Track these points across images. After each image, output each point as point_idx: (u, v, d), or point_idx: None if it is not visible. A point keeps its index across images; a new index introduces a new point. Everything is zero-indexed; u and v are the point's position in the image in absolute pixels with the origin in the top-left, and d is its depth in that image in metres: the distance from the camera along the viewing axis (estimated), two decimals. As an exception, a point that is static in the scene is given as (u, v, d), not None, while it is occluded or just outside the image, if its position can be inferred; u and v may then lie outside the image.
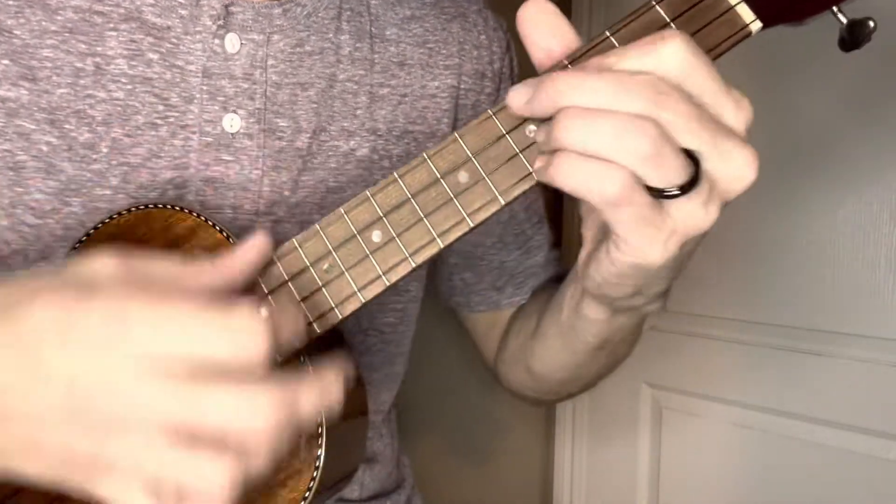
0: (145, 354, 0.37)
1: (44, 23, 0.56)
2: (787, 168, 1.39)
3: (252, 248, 0.45)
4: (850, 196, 1.32)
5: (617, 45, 0.45)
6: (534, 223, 0.79)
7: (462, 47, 0.71)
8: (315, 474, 0.50)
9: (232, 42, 0.59)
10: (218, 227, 0.52)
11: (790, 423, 1.42)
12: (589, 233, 0.52)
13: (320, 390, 0.40)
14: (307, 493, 0.50)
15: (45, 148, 0.55)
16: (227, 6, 0.58)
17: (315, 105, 0.63)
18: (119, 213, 0.53)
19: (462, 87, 0.71)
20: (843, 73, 1.25)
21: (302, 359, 0.50)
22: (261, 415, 0.37)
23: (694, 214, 0.43)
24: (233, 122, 0.59)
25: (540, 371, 0.73)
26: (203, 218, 0.52)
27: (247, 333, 0.38)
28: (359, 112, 0.65)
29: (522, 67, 0.77)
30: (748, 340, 1.48)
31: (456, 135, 0.47)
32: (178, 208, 0.52)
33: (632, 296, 0.50)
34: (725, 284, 1.51)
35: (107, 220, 0.53)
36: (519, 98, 0.44)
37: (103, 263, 0.40)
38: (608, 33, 0.45)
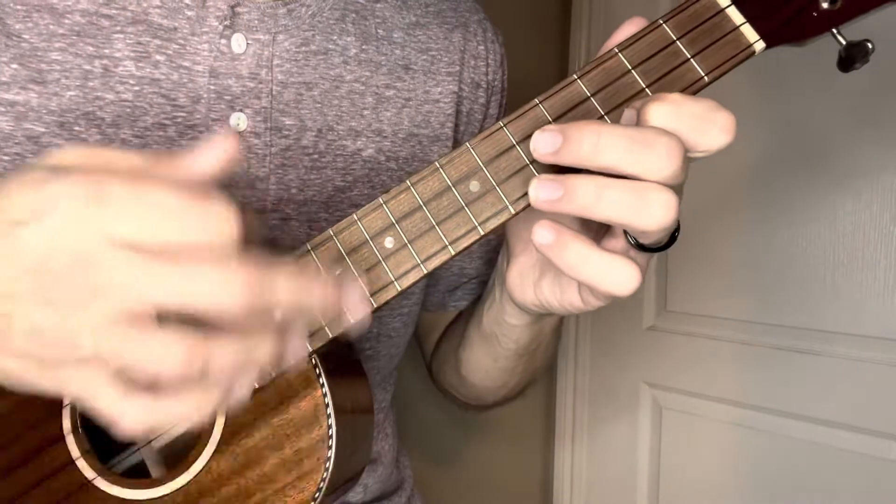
0: (121, 230, 0.35)
1: (51, 26, 0.57)
2: (787, 169, 1.40)
3: (216, 147, 0.40)
4: (849, 197, 1.33)
5: (625, 60, 0.46)
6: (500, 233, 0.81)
7: (462, 56, 0.72)
8: (325, 475, 0.51)
9: (238, 42, 0.60)
10: None
11: (790, 423, 1.42)
12: (521, 248, 0.58)
13: (298, 279, 0.37)
14: (317, 494, 0.51)
15: (54, 151, 0.56)
16: (232, 7, 0.59)
17: (319, 105, 0.64)
18: None
19: (462, 94, 0.72)
20: (844, 79, 1.25)
21: (313, 362, 0.51)
22: (234, 292, 0.35)
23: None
24: (240, 121, 0.60)
25: (466, 376, 0.76)
26: None
27: (221, 217, 0.36)
28: (366, 112, 0.66)
29: (511, 82, 0.79)
30: (748, 340, 1.48)
31: (467, 144, 0.47)
32: None
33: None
34: (725, 284, 1.52)
35: None
36: (545, 147, 0.45)
37: (68, 153, 0.39)
38: (616, 50, 0.46)
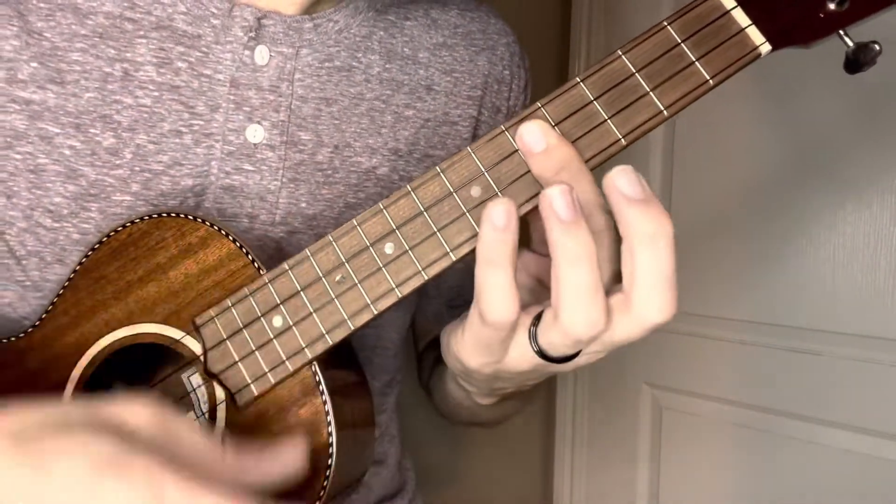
0: None
1: (74, 26, 0.56)
2: (787, 170, 1.40)
3: (292, 454, 0.44)
4: (850, 197, 1.33)
5: (629, 63, 0.45)
6: None
7: (486, 80, 0.72)
8: (325, 483, 0.51)
9: (262, 54, 0.59)
10: (231, 237, 0.52)
11: (790, 423, 1.42)
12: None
13: None
14: (317, 503, 0.51)
15: (67, 152, 0.55)
16: (259, 18, 0.59)
17: (337, 121, 0.63)
18: (132, 221, 0.53)
19: (481, 118, 0.72)
20: (844, 80, 1.25)
21: (313, 369, 0.51)
22: None
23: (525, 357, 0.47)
24: (256, 133, 0.59)
25: (437, 404, 0.76)
26: (216, 227, 0.52)
27: None
28: (383, 131, 0.65)
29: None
30: (748, 340, 1.48)
31: (469, 149, 0.47)
32: (191, 217, 0.53)
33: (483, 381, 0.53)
34: (725, 284, 1.51)
35: (121, 228, 0.53)
36: (531, 140, 0.46)
37: (137, 413, 0.39)
38: (620, 52, 0.46)
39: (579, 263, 0.41)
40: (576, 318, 0.41)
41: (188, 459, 0.39)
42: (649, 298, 0.41)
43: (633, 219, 0.41)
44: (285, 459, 0.43)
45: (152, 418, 0.39)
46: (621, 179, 0.41)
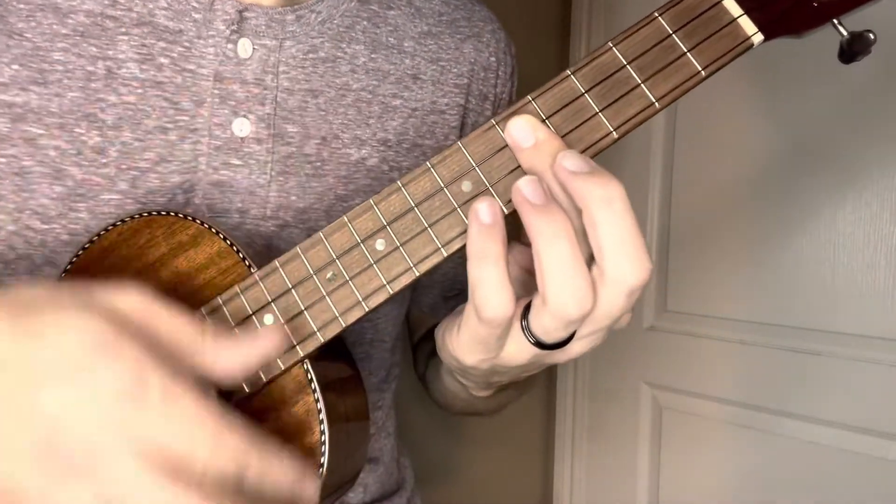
0: (141, 437, 0.37)
1: (55, 26, 0.56)
2: (787, 168, 1.39)
3: (265, 340, 0.45)
4: (850, 196, 1.33)
5: (620, 55, 0.45)
6: None
7: (472, 68, 0.71)
8: (318, 482, 0.50)
9: (244, 47, 0.59)
10: (221, 235, 0.51)
11: (790, 423, 1.42)
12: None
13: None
14: None
15: (52, 153, 0.55)
16: (241, 11, 0.58)
17: (324, 113, 0.63)
18: (122, 220, 0.53)
19: (468, 106, 0.71)
20: (844, 77, 1.25)
21: (305, 367, 0.50)
22: None
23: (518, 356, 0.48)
24: (243, 127, 0.59)
25: (432, 394, 0.77)
26: (207, 225, 0.52)
27: (231, 451, 0.39)
28: (371, 122, 0.65)
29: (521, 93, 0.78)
30: (748, 340, 1.48)
31: (459, 144, 0.46)
32: (181, 215, 0.52)
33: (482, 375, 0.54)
34: (725, 284, 1.51)
35: (110, 227, 0.53)
36: (519, 135, 0.46)
37: (127, 300, 0.41)
38: (611, 44, 0.45)
39: (557, 240, 0.42)
40: (563, 295, 0.42)
41: (170, 342, 0.41)
42: (619, 260, 0.42)
43: (584, 188, 0.42)
44: (263, 342, 0.45)
45: (140, 305, 0.41)
46: (567, 160, 0.43)
